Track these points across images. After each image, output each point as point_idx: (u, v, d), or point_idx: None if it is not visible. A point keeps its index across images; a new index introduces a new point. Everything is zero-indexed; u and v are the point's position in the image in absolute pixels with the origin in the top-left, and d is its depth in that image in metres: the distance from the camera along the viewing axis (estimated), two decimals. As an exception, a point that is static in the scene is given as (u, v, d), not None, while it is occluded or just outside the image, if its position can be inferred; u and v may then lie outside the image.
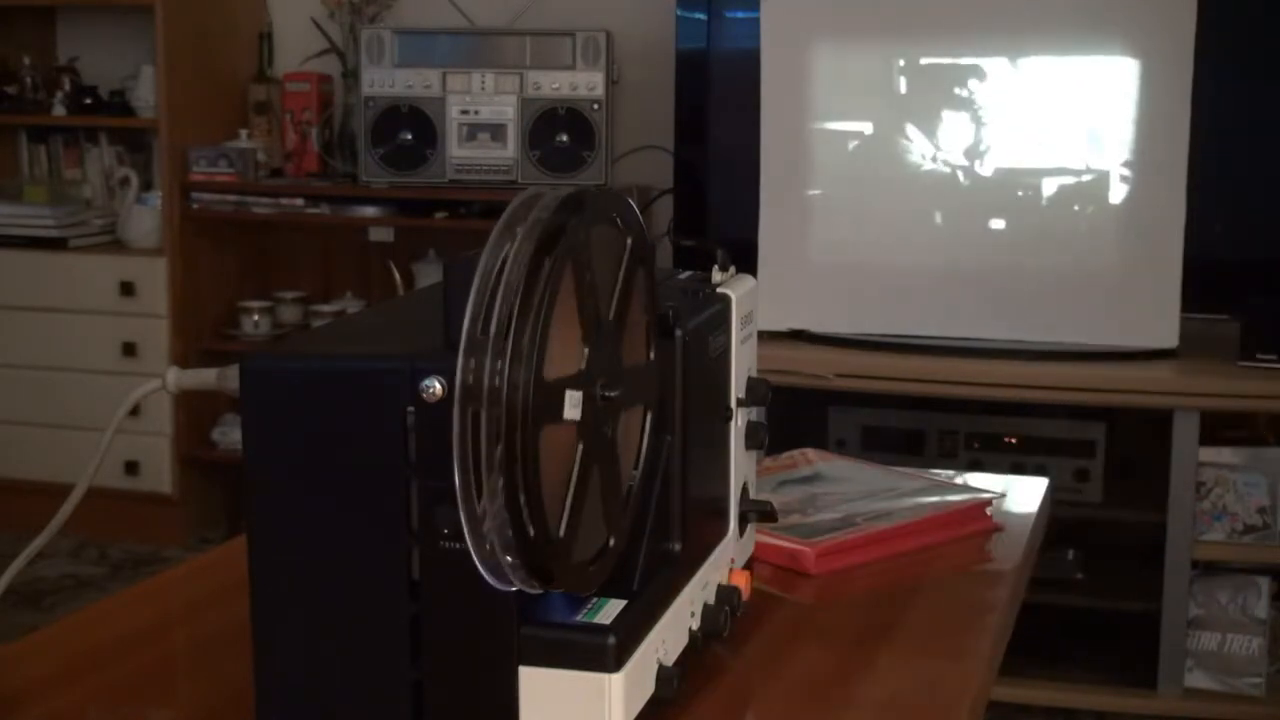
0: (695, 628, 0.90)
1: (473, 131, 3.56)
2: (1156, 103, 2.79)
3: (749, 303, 1.00)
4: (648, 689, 0.80)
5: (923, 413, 2.96)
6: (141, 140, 4.10)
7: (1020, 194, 2.88)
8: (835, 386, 2.81)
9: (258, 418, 0.76)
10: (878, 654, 0.99)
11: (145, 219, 3.88)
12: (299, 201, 3.75)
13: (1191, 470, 2.72)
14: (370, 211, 3.69)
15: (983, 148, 2.88)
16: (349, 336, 0.86)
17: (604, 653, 0.75)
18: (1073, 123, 2.85)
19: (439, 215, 3.61)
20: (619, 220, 0.77)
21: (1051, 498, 1.39)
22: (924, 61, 2.90)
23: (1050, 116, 2.85)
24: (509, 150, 3.55)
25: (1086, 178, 2.84)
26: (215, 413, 3.91)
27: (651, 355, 0.82)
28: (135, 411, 0.96)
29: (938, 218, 2.91)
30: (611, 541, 0.77)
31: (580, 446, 0.72)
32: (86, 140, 4.11)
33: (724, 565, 0.97)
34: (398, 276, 3.78)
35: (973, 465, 2.94)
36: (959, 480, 1.40)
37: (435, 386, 0.72)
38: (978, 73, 2.88)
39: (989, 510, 1.29)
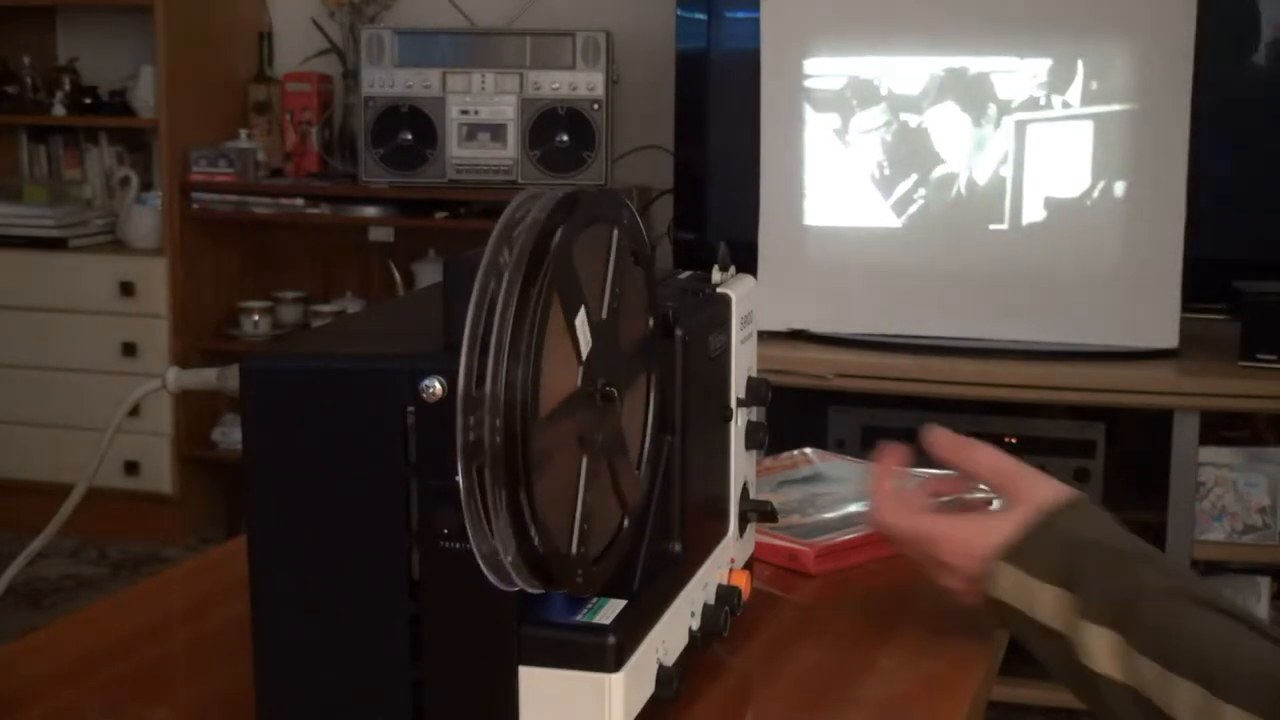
0: (695, 628, 0.90)
1: (473, 131, 3.56)
2: (1156, 103, 2.79)
3: (749, 303, 1.00)
4: (648, 689, 0.80)
5: (923, 413, 2.96)
6: (141, 140, 4.10)
7: (1020, 194, 2.88)
8: (835, 386, 2.81)
9: (258, 418, 0.76)
10: (878, 654, 0.99)
11: (145, 219, 3.89)
12: (299, 201, 3.75)
13: (1191, 470, 2.72)
14: (370, 211, 3.69)
15: (983, 147, 2.88)
16: (349, 336, 0.86)
17: (604, 653, 0.75)
18: (1072, 122, 2.85)
19: (439, 215, 3.61)
20: (615, 220, 0.77)
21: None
22: (924, 61, 2.90)
23: (1050, 116, 2.85)
24: (509, 150, 3.55)
25: (1086, 178, 2.84)
26: (215, 413, 3.91)
27: (651, 355, 0.82)
28: (135, 411, 0.96)
29: (938, 218, 2.91)
30: (613, 543, 0.77)
31: (581, 446, 0.72)
32: (86, 140, 4.11)
33: (724, 565, 0.97)
34: (398, 276, 3.78)
35: (973, 465, 2.94)
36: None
37: (435, 386, 0.72)
38: (978, 73, 2.88)
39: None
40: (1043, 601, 0.95)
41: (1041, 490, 0.99)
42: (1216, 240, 2.86)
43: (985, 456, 1.03)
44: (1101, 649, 0.92)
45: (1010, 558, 0.96)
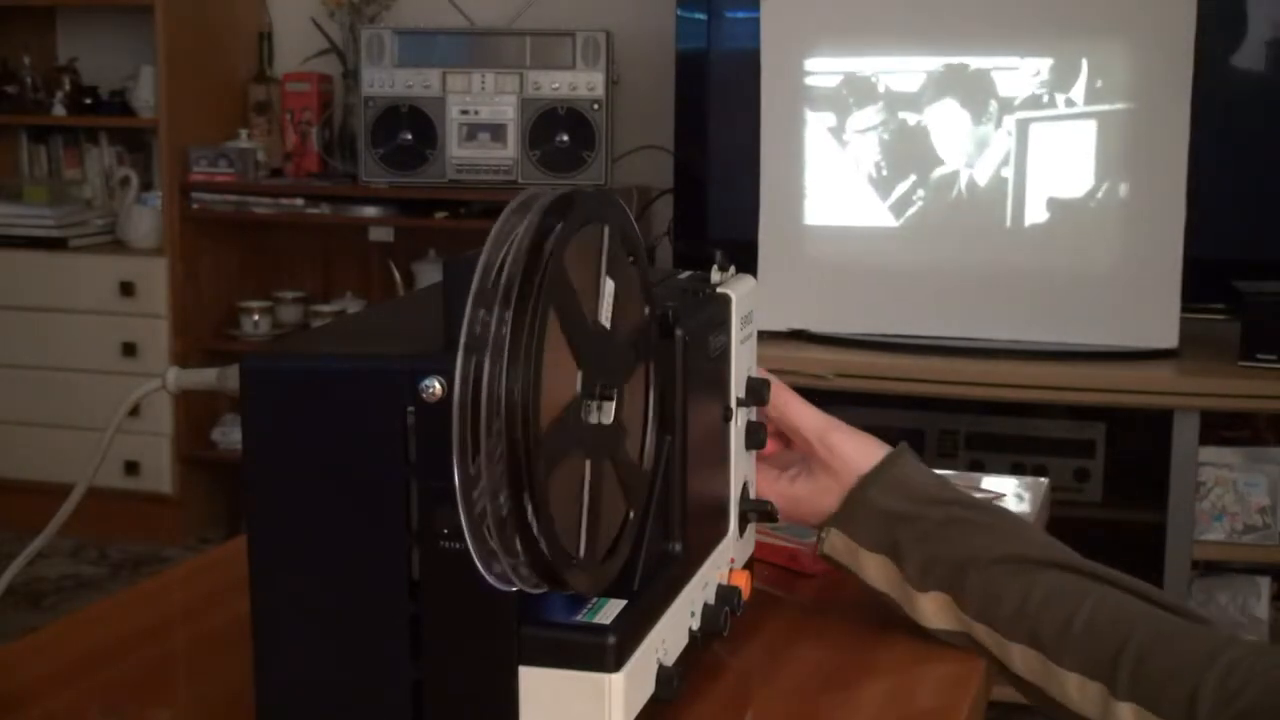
0: (695, 628, 0.89)
1: (473, 131, 3.56)
2: (1156, 103, 2.79)
3: (749, 303, 1.00)
4: (648, 689, 0.80)
5: (923, 413, 2.96)
6: (141, 140, 4.10)
7: (1021, 193, 2.88)
8: (835, 386, 2.81)
9: (257, 418, 0.76)
10: (878, 654, 0.99)
11: (145, 219, 3.89)
12: (299, 201, 3.75)
13: (1191, 470, 2.72)
14: (370, 211, 3.69)
15: (983, 147, 2.88)
16: (349, 336, 0.86)
17: (604, 652, 0.75)
18: (1073, 122, 2.85)
19: (439, 215, 3.61)
20: (611, 220, 0.77)
21: (1051, 498, 1.39)
22: (924, 61, 2.90)
23: (1050, 115, 2.85)
24: (509, 150, 3.55)
25: (1086, 178, 2.84)
26: (215, 413, 3.91)
27: (651, 355, 0.82)
28: (135, 411, 0.95)
29: (938, 217, 2.91)
30: (615, 544, 0.77)
31: (581, 446, 0.72)
32: (86, 140, 4.11)
33: (724, 565, 0.97)
34: (398, 276, 3.79)
35: (973, 465, 2.95)
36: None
37: (435, 386, 0.72)
38: (978, 72, 2.88)
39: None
40: (870, 567, 1.01)
41: (854, 452, 1.05)
42: (1216, 240, 2.86)
43: (802, 417, 1.06)
44: (933, 611, 0.98)
45: (837, 524, 1.02)
